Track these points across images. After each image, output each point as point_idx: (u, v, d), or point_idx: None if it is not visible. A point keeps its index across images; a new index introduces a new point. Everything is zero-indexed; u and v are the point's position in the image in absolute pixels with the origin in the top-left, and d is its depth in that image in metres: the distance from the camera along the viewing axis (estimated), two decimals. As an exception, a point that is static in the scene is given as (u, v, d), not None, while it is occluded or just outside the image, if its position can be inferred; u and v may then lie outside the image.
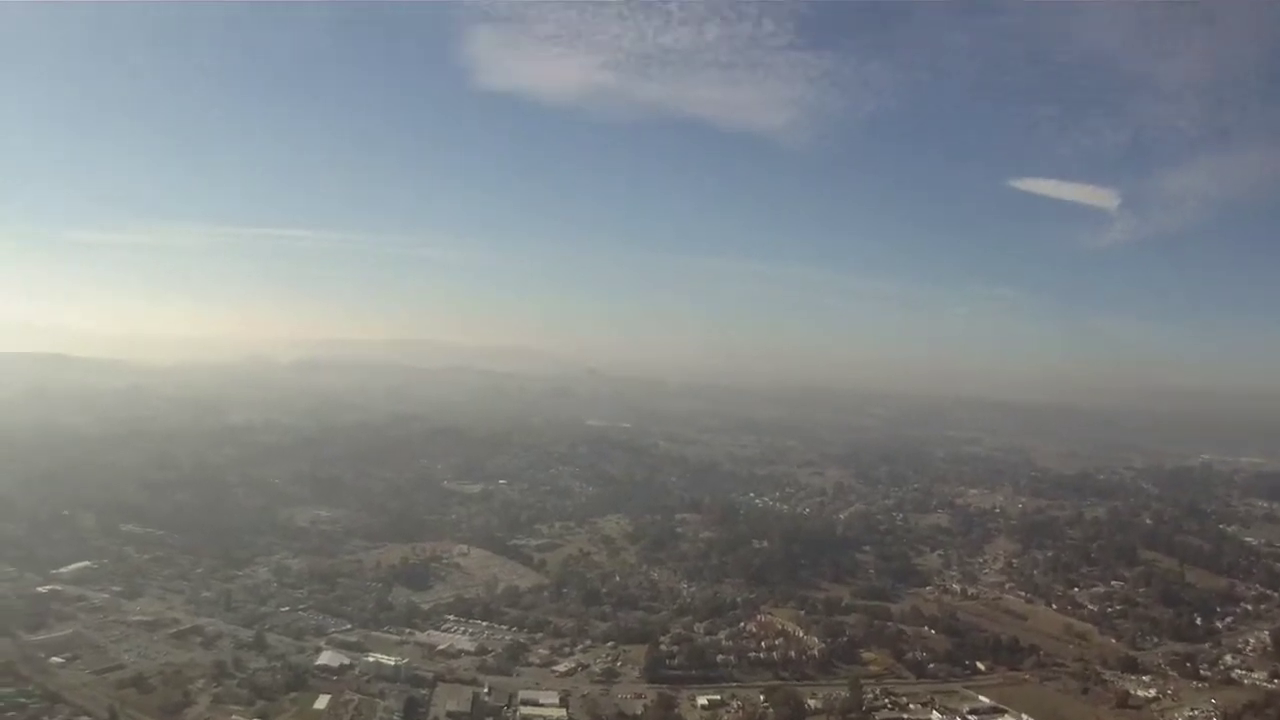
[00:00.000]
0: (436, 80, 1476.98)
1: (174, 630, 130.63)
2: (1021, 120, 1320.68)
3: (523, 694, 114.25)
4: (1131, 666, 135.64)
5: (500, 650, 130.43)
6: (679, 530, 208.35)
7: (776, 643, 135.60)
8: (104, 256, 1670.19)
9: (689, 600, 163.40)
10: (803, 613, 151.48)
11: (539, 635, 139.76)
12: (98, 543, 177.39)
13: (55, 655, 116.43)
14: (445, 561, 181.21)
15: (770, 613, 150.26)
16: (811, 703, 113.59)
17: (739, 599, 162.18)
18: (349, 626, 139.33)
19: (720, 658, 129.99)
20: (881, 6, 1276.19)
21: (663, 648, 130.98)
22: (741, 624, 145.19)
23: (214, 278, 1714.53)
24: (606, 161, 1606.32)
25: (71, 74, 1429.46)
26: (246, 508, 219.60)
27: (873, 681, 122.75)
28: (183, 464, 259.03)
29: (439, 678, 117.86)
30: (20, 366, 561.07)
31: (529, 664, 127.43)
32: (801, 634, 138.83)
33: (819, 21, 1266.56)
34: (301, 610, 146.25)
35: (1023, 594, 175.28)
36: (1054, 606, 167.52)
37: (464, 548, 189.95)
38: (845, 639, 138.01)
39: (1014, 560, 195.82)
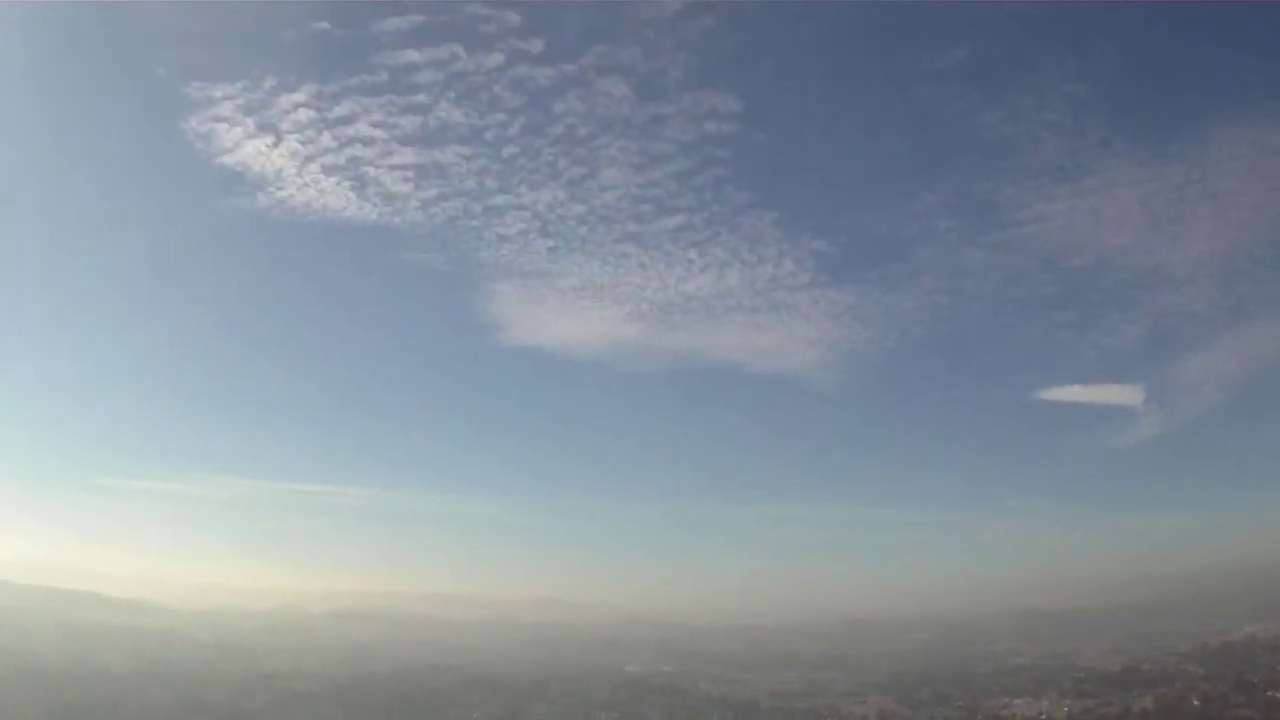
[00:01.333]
0: (461, 338, 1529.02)
1: None
2: (1041, 329, 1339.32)
3: None
4: None
5: None
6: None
7: None
8: (141, 503, 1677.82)
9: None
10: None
11: None
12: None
13: None
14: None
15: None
16: None
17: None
18: None
19: None
20: (897, 237, 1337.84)
21: None
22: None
23: (249, 529, 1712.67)
24: (635, 412, 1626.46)
25: (111, 335, 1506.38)
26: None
27: None
28: (211, 706, 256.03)
29: None
30: (54, 601, 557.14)
31: None
32: None
33: (838, 258, 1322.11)
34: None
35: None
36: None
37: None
38: None
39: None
